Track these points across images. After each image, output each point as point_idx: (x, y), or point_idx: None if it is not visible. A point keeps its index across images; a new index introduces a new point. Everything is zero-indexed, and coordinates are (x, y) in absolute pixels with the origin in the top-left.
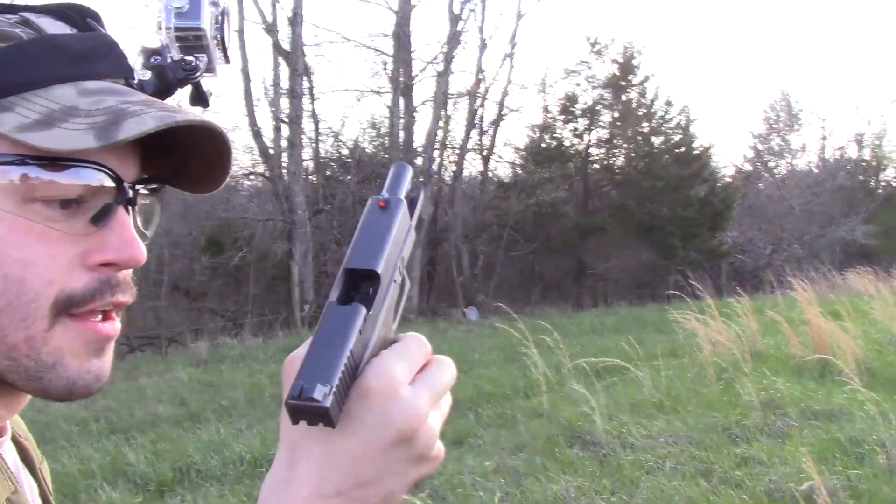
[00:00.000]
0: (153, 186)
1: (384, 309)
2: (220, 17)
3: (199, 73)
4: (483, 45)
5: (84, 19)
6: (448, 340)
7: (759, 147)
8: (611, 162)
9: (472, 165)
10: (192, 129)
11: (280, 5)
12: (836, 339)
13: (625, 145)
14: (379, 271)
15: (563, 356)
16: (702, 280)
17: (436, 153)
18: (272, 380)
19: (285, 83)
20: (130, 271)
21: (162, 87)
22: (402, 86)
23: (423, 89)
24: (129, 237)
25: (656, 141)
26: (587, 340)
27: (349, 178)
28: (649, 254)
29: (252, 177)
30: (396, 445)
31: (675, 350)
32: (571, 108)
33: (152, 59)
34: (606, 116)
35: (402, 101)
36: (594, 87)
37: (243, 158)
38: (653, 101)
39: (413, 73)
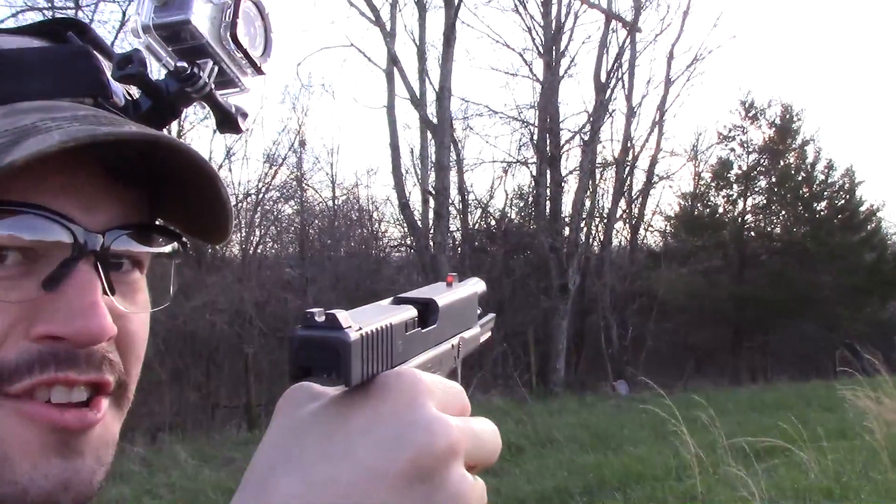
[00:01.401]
0: (162, 245)
1: (433, 346)
2: (226, 11)
3: (203, 86)
4: (631, 113)
5: (66, 33)
6: (596, 415)
7: None
8: (768, 229)
9: (621, 235)
10: (169, 156)
11: (428, 80)
12: None
13: (783, 212)
14: (439, 303)
15: (719, 434)
16: (872, 354)
17: (583, 223)
18: None
19: (433, 156)
20: (129, 342)
21: (158, 106)
22: (549, 156)
23: (571, 159)
24: (84, 305)
25: (818, 206)
26: (744, 418)
27: (495, 248)
28: (812, 326)
29: (401, 249)
30: (409, 482)
31: (843, 431)
32: (725, 175)
33: (127, 69)
34: (763, 182)
35: (548, 172)
36: (749, 152)
37: (392, 231)
38: (813, 165)
39: (560, 143)
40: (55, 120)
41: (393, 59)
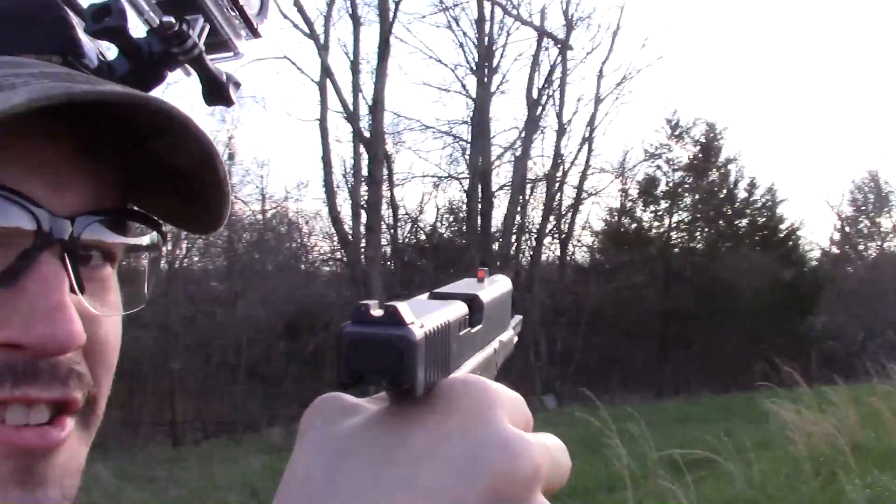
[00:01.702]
0: (139, 234)
1: (480, 349)
2: None
3: (192, 47)
4: (561, 130)
5: None
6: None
7: (847, 229)
8: (692, 245)
9: (550, 250)
10: (159, 125)
11: (362, 94)
12: None
13: (707, 228)
14: (482, 298)
15: (648, 447)
16: (790, 367)
17: (513, 238)
18: None
19: (365, 170)
20: (98, 349)
21: (138, 69)
22: (481, 171)
23: (502, 174)
24: (48, 306)
25: (740, 223)
26: (671, 430)
27: (425, 263)
28: (733, 340)
29: (331, 263)
30: None
31: (766, 442)
32: (652, 192)
33: (105, 21)
34: (688, 199)
35: (479, 187)
36: (675, 170)
37: (322, 245)
38: (736, 183)
39: (491, 159)
40: (20, 76)
41: (326, 72)
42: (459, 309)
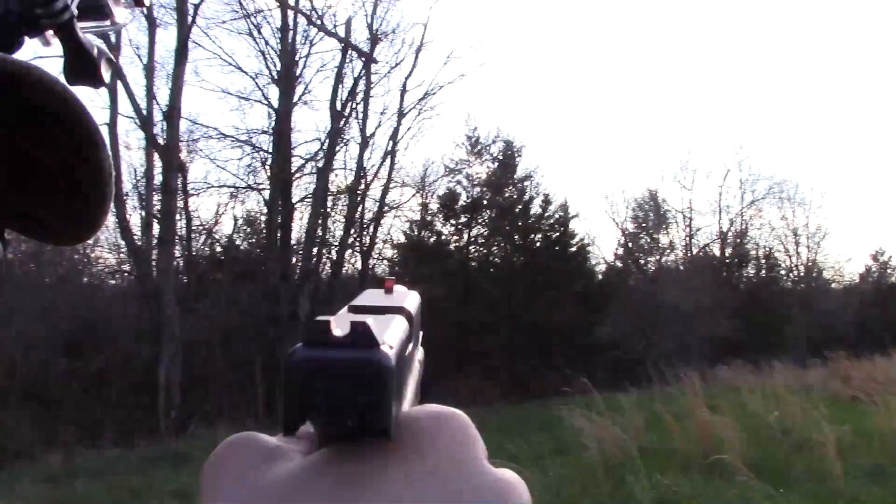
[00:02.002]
0: None
1: (413, 368)
2: None
3: (63, 9)
4: (364, 143)
5: None
6: None
7: (630, 245)
8: (490, 259)
9: (350, 263)
10: (26, 99)
11: (156, 100)
12: (720, 433)
13: (504, 243)
14: (411, 311)
15: None
16: (580, 376)
17: (314, 250)
18: (133, 494)
19: (158, 179)
20: None
21: None
22: (281, 182)
23: (303, 186)
24: None
25: (535, 237)
26: None
27: (221, 276)
28: (529, 351)
29: (118, 276)
30: None
31: (561, 448)
32: (452, 206)
33: None
34: (486, 214)
35: (279, 198)
36: (474, 185)
37: (108, 257)
38: (531, 199)
39: (293, 170)
40: None
41: (117, 74)
42: (403, 325)
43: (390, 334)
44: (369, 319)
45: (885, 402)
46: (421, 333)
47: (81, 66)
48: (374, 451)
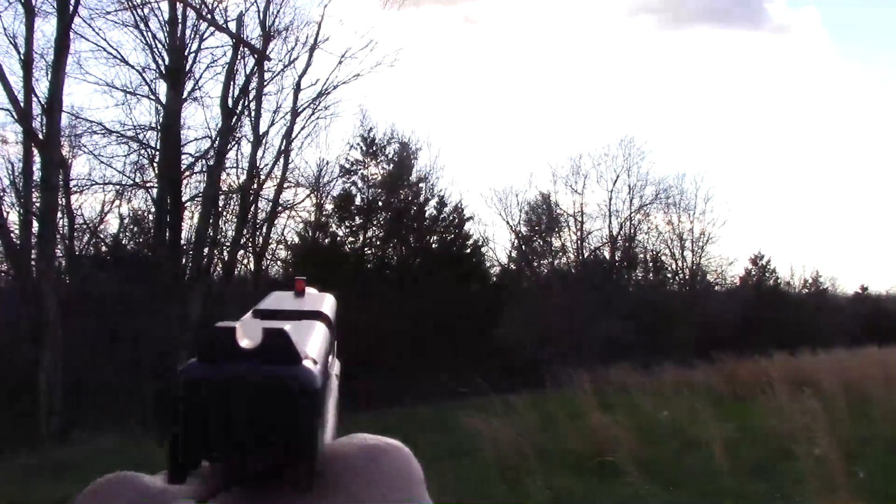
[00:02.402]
0: None
1: (334, 390)
2: None
3: None
4: (257, 141)
5: None
6: None
7: (524, 248)
8: (386, 261)
9: (243, 264)
10: None
11: (34, 92)
12: (612, 433)
13: (399, 245)
14: (330, 316)
15: None
16: (475, 377)
17: (205, 251)
18: None
19: (38, 175)
20: None
21: None
22: (170, 180)
23: (193, 185)
24: None
25: (430, 239)
26: None
27: (107, 276)
28: (425, 354)
29: None
30: None
31: (457, 450)
32: (348, 207)
33: None
34: (382, 215)
35: (169, 197)
36: (370, 187)
37: None
38: (427, 200)
39: (182, 168)
40: None
41: None
42: (324, 333)
43: (313, 345)
44: (286, 326)
45: (767, 400)
46: (336, 343)
47: None
48: (292, 496)
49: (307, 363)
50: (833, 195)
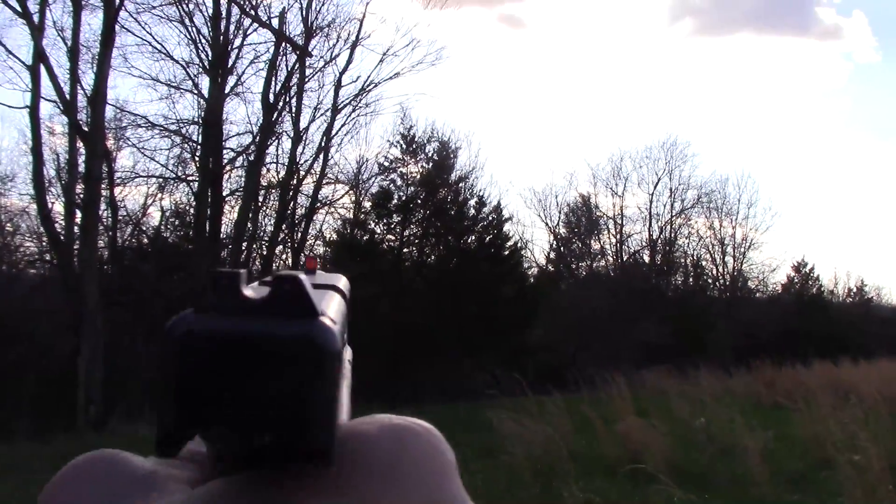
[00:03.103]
0: None
1: (346, 371)
2: None
3: None
4: (298, 137)
5: None
6: None
7: (562, 249)
8: (424, 259)
9: (281, 259)
10: None
11: (80, 84)
12: (647, 438)
13: (437, 244)
14: (345, 291)
15: None
16: (510, 378)
17: (244, 245)
18: None
19: (82, 166)
20: None
21: None
22: (211, 174)
23: (234, 179)
24: None
25: (469, 239)
26: None
27: (148, 268)
28: (461, 353)
29: (38, 265)
30: None
31: (489, 450)
32: (386, 205)
33: None
34: (420, 214)
35: (210, 191)
36: (409, 185)
37: (29, 245)
38: (466, 200)
39: (223, 162)
40: None
41: (40, 56)
42: (339, 302)
43: (330, 307)
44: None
45: (806, 408)
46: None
47: None
48: (301, 484)
49: (325, 320)
50: (880, 203)
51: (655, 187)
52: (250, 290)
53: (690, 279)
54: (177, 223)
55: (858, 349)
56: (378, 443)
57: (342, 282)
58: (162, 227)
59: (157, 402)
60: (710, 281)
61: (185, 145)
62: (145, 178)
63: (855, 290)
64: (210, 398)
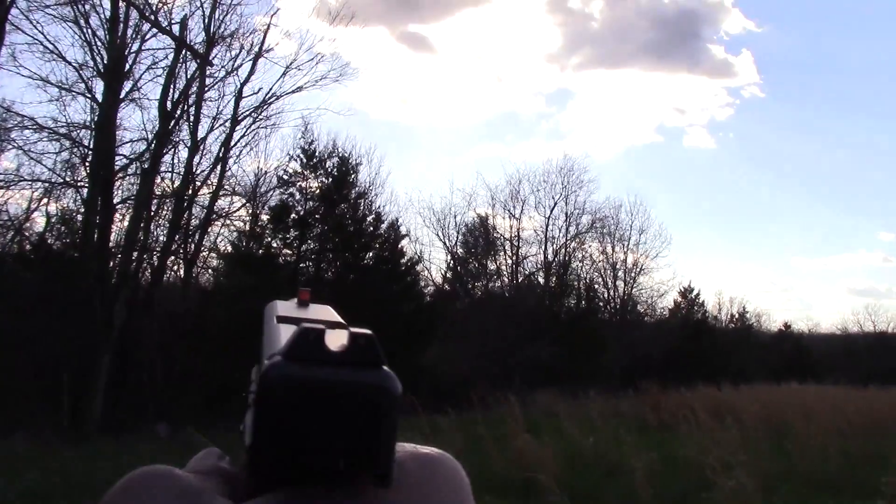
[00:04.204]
0: None
1: None
2: None
3: None
4: (195, 147)
5: None
6: (139, 455)
7: (459, 269)
8: (321, 275)
9: (173, 270)
10: None
11: None
12: (538, 456)
13: (335, 259)
14: (342, 321)
15: None
16: (408, 398)
17: (134, 255)
18: None
19: None
20: None
21: None
22: (102, 181)
23: (126, 187)
24: None
25: (366, 255)
26: None
27: (30, 276)
28: None
29: None
30: None
31: None
32: (284, 219)
33: None
34: (318, 229)
35: (100, 198)
36: (308, 199)
37: None
38: (364, 216)
39: (115, 169)
40: None
41: None
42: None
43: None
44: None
45: (689, 430)
46: None
47: None
48: (350, 496)
49: (387, 369)
50: (761, 232)
51: (552, 211)
52: (336, 341)
53: (583, 302)
54: (63, 230)
55: (740, 373)
56: (409, 468)
57: (337, 315)
58: (47, 233)
59: (255, 433)
60: (601, 304)
61: (76, 150)
62: (30, 182)
63: (737, 315)
64: (301, 431)
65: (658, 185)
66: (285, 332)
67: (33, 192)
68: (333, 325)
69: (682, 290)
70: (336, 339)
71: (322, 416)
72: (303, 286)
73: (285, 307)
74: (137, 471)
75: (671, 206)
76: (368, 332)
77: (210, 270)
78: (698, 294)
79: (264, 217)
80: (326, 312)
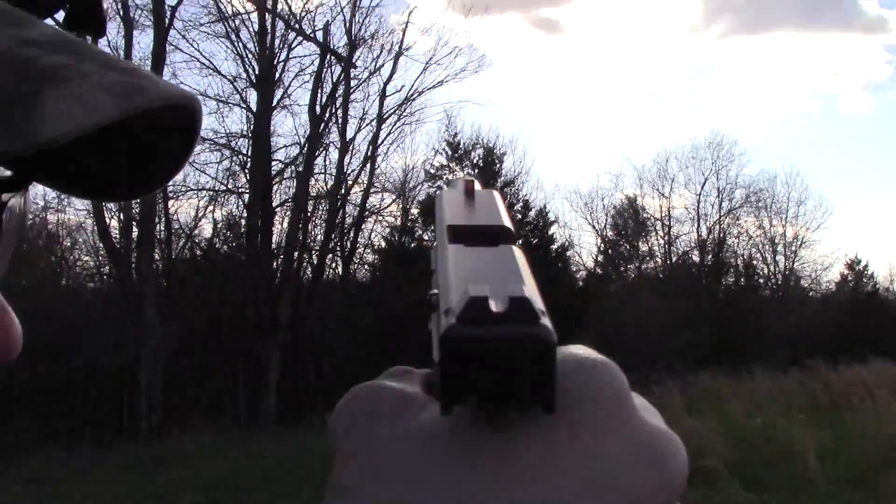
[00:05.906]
0: None
1: None
2: None
3: None
4: (344, 147)
5: None
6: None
7: (610, 252)
8: None
9: (331, 268)
10: None
11: None
12: (703, 439)
13: None
14: (512, 229)
15: None
16: None
17: (295, 255)
18: (114, 497)
19: None
20: None
21: None
22: (261, 186)
23: (283, 190)
24: None
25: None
26: None
27: (202, 279)
28: None
29: (97, 279)
30: None
31: None
32: (433, 212)
33: None
34: None
35: (260, 202)
36: None
37: (87, 259)
38: (512, 204)
39: (272, 174)
40: (42, 46)
41: None
42: (525, 263)
43: (532, 290)
44: (524, 290)
45: (863, 408)
46: None
47: (84, 9)
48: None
49: (545, 322)
50: None
51: (703, 187)
52: (499, 303)
53: (742, 279)
54: (229, 234)
55: None
56: (571, 376)
57: (501, 206)
58: (214, 238)
59: (441, 382)
60: (761, 281)
61: (235, 158)
62: (197, 192)
63: None
64: (472, 377)
65: (815, 154)
66: (454, 257)
67: (199, 200)
68: (497, 232)
69: (849, 261)
70: (498, 298)
71: (491, 367)
72: None
73: (453, 207)
74: (356, 386)
75: (831, 174)
76: (524, 295)
77: (366, 266)
78: (867, 265)
79: (414, 211)
80: (492, 207)
